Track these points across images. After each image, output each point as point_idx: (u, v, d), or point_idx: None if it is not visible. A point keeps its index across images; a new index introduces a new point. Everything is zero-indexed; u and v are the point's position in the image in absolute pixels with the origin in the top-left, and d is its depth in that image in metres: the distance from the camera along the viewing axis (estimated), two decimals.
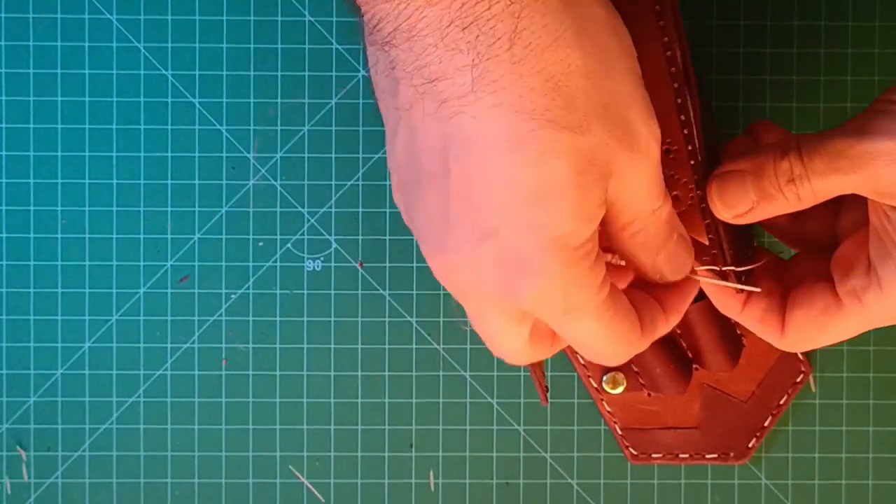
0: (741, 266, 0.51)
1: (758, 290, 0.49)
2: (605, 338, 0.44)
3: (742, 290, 0.50)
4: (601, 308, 0.43)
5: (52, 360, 0.60)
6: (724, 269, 0.49)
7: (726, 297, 0.50)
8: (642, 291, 0.47)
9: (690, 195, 0.50)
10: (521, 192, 0.40)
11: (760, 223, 0.51)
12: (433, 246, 0.42)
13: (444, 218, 0.41)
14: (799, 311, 0.48)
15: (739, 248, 0.52)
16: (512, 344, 0.44)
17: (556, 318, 0.43)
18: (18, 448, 0.60)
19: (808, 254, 0.51)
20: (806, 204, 0.46)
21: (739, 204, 0.47)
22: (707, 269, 0.51)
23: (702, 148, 0.52)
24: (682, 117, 0.51)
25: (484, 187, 0.40)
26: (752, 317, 0.49)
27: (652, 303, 0.46)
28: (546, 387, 0.57)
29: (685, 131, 0.51)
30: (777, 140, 0.48)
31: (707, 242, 0.51)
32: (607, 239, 0.45)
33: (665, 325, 0.47)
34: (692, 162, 0.50)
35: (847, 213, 0.50)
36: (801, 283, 0.49)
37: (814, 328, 0.48)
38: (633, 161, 0.41)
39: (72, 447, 0.60)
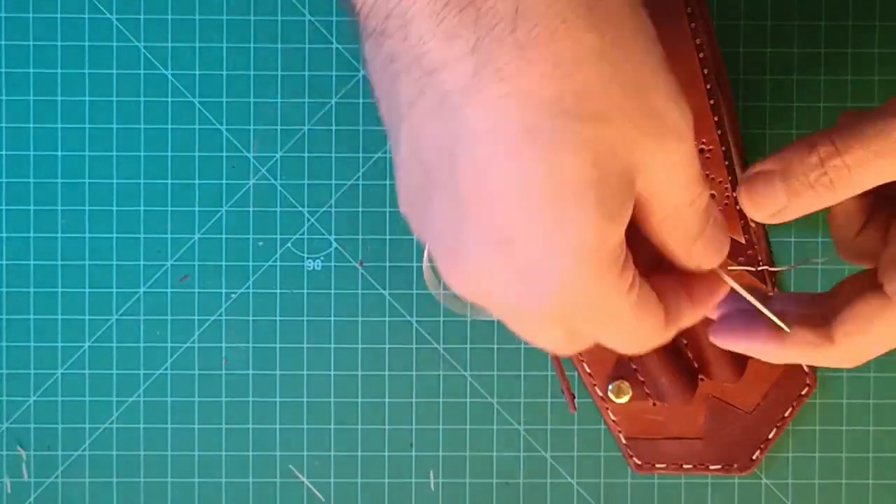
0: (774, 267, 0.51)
1: (786, 328, 0.47)
2: (630, 336, 0.41)
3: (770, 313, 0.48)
4: (627, 314, 0.40)
5: (52, 359, 0.60)
6: (759, 268, 0.49)
7: (763, 345, 0.47)
8: (671, 279, 0.43)
9: (727, 195, 0.50)
10: (535, 193, 0.36)
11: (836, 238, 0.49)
12: (446, 257, 0.39)
13: (455, 226, 0.38)
14: (850, 323, 0.45)
15: (769, 250, 0.52)
16: (546, 341, 0.41)
17: (580, 325, 0.40)
18: (18, 447, 0.60)
19: (849, 279, 0.48)
20: (841, 196, 0.43)
21: (770, 205, 0.44)
22: (741, 268, 0.51)
23: (736, 147, 0.53)
24: (716, 118, 0.51)
25: (495, 190, 0.36)
26: (803, 341, 0.46)
27: (680, 294, 0.43)
28: (573, 394, 0.57)
29: (719, 132, 0.51)
30: (804, 137, 0.45)
31: (744, 241, 0.51)
32: (640, 228, 0.41)
33: (691, 318, 0.44)
34: (727, 162, 0.51)
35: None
36: (847, 301, 0.46)
37: (867, 334, 0.45)
38: (662, 150, 0.38)
39: (72, 447, 0.60)
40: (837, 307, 0.46)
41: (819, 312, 0.47)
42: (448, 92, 0.36)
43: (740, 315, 0.47)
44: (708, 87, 0.52)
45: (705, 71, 0.51)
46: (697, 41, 0.51)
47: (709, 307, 0.44)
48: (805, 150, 0.43)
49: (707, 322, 0.58)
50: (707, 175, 0.51)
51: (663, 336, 0.42)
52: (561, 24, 0.36)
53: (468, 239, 0.38)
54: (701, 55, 0.51)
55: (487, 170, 0.36)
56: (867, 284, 0.46)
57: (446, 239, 0.38)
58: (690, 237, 0.41)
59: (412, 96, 0.37)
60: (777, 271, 0.57)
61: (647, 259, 0.43)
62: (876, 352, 0.46)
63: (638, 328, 0.41)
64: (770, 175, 0.43)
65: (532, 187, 0.36)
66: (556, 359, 0.54)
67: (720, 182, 0.51)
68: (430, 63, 0.36)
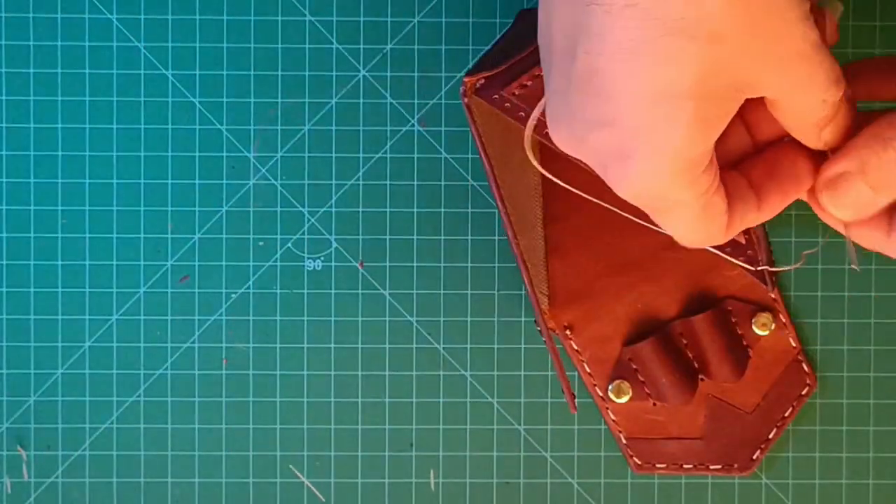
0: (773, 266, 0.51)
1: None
2: (686, 231, 0.44)
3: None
4: (690, 214, 0.43)
5: (52, 359, 0.60)
6: (759, 268, 0.49)
7: (872, 232, 0.46)
8: (744, 180, 0.46)
9: None
10: (639, 93, 0.40)
11: None
12: (552, 115, 0.43)
13: (565, 96, 0.42)
14: None
15: (769, 249, 0.52)
16: (619, 194, 0.45)
17: (646, 207, 0.43)
18: (19, 447, 0.60)
19: None
20: None
21: (857, 204, 0.44)
22: (742, 266, 0.51)
23: None
24: None
25: (605, 81, 0.40)
26: None
27: (750, 197, 0.45)
28: (573, 394, 0.57)
29: None
30: (871, 129, 0.45)
31: (744, 242, 0.51)
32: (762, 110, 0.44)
33: (755, 221, 0.46)
34: None
35: None
36: None
37: None
38: (781, 70, 0.40)
39: (72, 447, 0.60)
40: None
41: None
42: None
43: None
44: None
45: None
46: None
47: (774, 212, 0.46)
48: (879, 145, 0.44)
49: (708, 321, 0.59)
50: None
51: (718, 239, 0.45)
52: None
53: (572, 111, 0.42)
54: None
55: (601, 63, 0.40)
56: None
57: (555, 102, 0.43)
58: (818, 128, 0.44)
59: None
60: (777, 272, 0.57)
61: (739, 148, 0.46)
62: None
63: (697, 227, 0.44)
64: (849, 176, 0.44)
65: (637, 88, 0.40)
66: (557, 358, 0.54)
67: None
68: None
